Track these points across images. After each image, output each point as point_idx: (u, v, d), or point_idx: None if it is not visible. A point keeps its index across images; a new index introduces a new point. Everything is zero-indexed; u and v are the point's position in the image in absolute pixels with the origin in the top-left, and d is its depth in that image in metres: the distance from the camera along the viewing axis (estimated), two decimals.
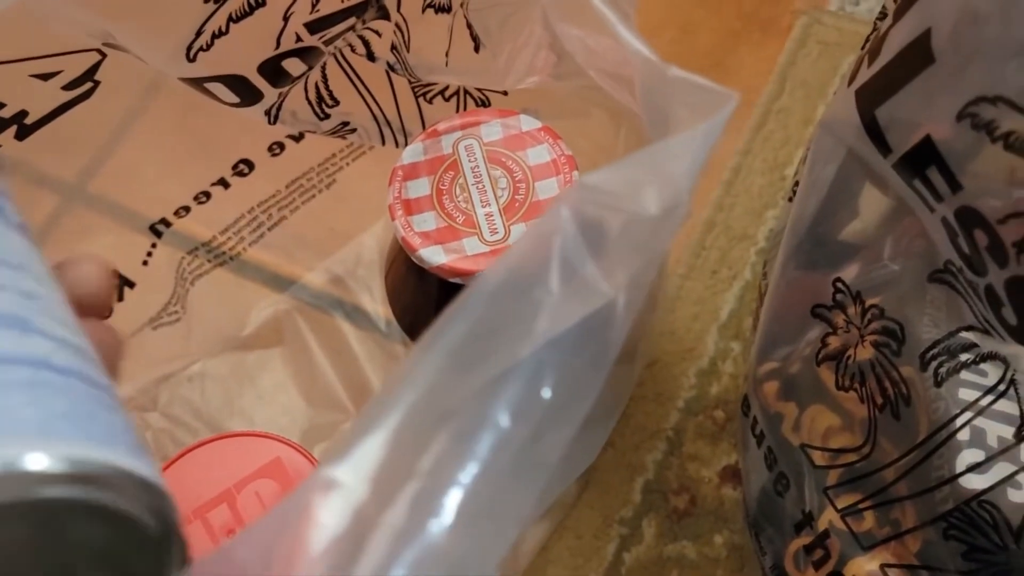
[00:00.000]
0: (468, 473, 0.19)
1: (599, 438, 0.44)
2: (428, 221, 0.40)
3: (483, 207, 0.40)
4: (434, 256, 0.39)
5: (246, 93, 0.39)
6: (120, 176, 0.46)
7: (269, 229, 0.53)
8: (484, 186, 0.40)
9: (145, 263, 0.48)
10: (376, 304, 0.55)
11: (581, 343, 0.21)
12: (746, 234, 0.54)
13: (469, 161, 0.41)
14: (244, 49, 0.36)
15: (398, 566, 0.18)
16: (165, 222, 0.48)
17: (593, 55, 0.34)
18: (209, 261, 0.52)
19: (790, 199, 0.43)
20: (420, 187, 0.40)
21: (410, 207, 0.40)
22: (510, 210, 0.39)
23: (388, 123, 0.46)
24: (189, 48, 0.35)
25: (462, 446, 0.19)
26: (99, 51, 0.36)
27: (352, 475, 0.18)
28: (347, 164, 0.52)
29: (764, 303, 0.43)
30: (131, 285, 0.48)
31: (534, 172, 0.40)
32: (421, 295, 0.42)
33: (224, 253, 0.52)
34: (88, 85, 0.37)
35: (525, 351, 0.20)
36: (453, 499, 0.19)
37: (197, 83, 0.38)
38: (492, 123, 0.41)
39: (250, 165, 0.49)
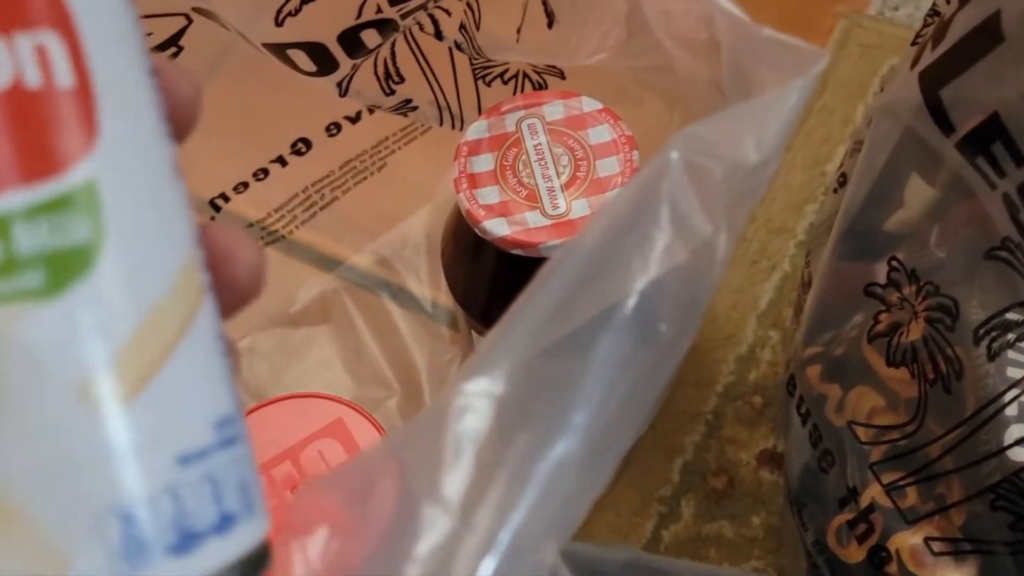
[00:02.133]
0: (594, 394, 0.20)
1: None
2: (491, 195, 0.41)
3: (545, 182, 0.41)
4: (497, 228, 0.40)
5: (323, 62, 0.40)
6: (181, 151, 0.47)
7: (321, 209, 0.54)
8: (546, 163, 0.41)
9: None
10: (422, 286, 0.56)
11: (684, 282, 0.22)
12: (785, 227, 0.56)
13: (532, 139, 0.42)
14: (328, 17, 0.38)
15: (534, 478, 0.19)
16: (224, 197, 0.50)
17: (673, 20, 0.35)
18: (260, 239, 0.53)
19: (835, 191, 0.44)
20: (484, 162, 0.42)
21: (474, 181, 0.41)
22: (571, 186, 0.41)
23: (447, 105, 0.47)
24: (279, 12, 0.37)
25: (589, 370, 0.20)
26: (187, 16, 0.38)
27: (497, 386, 0.20)
28: (399, 148, 0.54)
29: (810, 290, 0.44)
30: None
31: (595, 151, 0.41)
32: (479, 268, 0.43)
33: (276, 231, 0.53)
34: (173, 50, 0.38)
35: (641, 284, 0.21)
36: (581, 417, 0.20)
37: (279, 49, 0.39)
38: (554, 103, 0.43)
39: (308, 144, 0.50)
